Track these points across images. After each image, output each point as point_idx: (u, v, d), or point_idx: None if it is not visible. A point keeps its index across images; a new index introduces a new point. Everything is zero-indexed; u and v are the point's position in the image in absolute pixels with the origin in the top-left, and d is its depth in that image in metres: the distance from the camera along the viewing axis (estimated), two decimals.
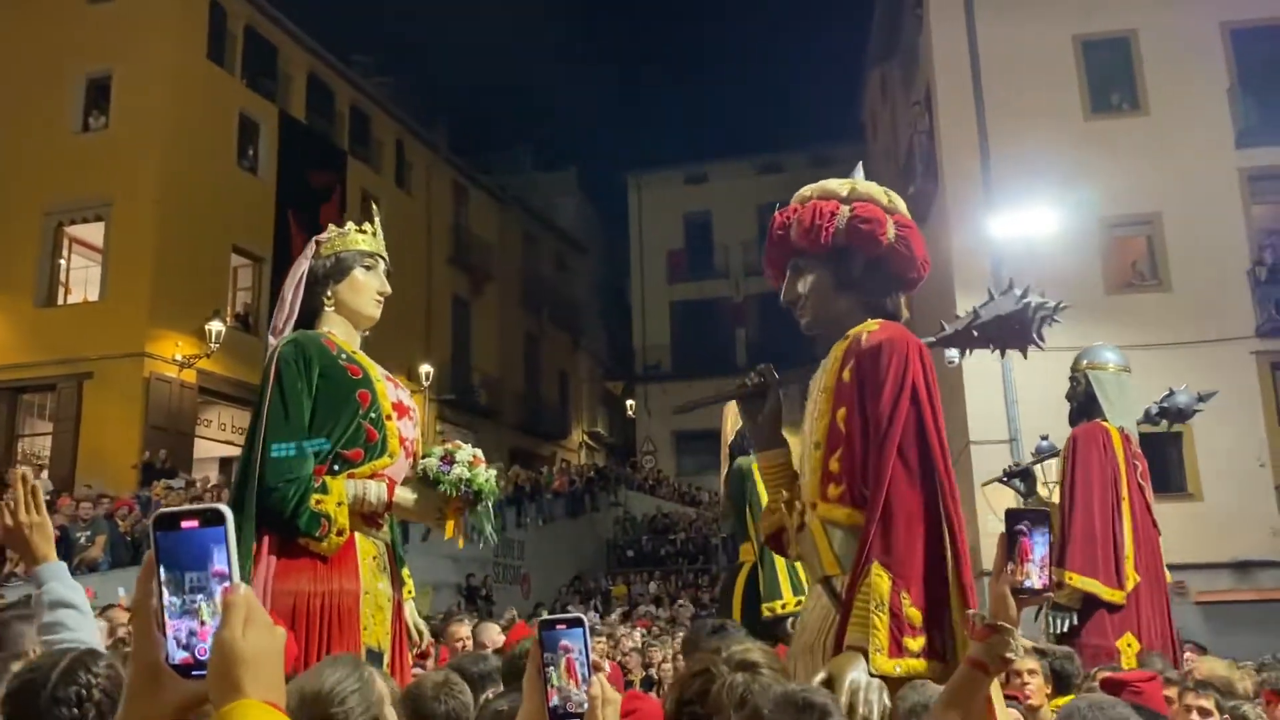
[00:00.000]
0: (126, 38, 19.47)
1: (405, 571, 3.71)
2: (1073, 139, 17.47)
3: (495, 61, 63.36)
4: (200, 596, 1.02)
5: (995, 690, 2.51)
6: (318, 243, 3.68)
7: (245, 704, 0.97)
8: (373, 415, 3.45)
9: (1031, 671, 4.23)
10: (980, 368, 16.37)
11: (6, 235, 19.36)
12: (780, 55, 65.53)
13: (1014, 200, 16.10)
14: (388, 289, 3.72)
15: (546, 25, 64.40)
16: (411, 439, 3.61)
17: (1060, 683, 4.28)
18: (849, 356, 2.93)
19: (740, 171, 35.80)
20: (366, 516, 3.43)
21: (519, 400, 31.11)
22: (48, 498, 14.71)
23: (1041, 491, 8.21)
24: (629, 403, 36.96)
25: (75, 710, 1.74)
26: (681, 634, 8.71)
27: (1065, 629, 5.50)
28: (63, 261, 19.99)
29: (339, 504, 3.29)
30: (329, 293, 3.61)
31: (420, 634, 3.81)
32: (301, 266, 3.62)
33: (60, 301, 19.84)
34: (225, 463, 20.22)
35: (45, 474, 17.20)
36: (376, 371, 3.58)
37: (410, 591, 3.76)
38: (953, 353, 14.91)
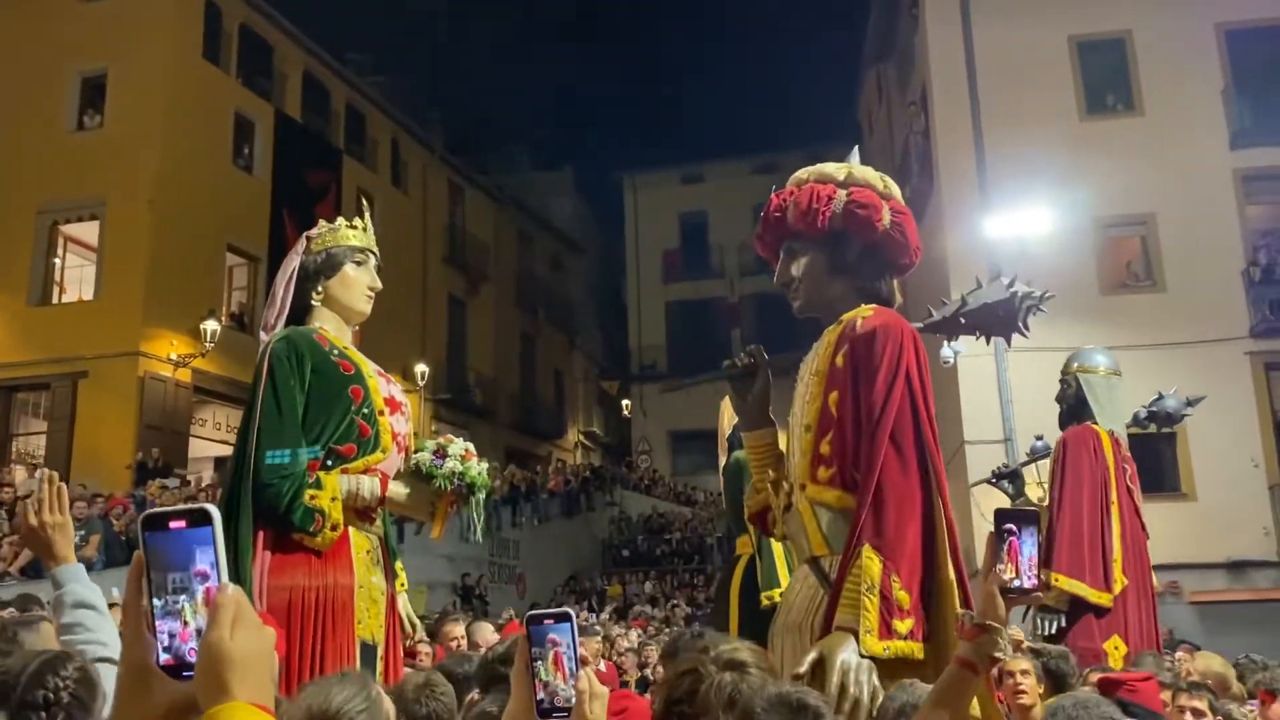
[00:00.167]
0: (121, 36, 19.44)
1: (398, 564, 3.72)
2: (1068, 139, 17.50)
3: (491, 61, 63.37)
4: (183, 598, 1.01)
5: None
6: (308, 238, 3.69)
7: (232, 706, 0.96)
8: (365, 411, 3.47)
9: (1024, 672, 4.24)
10: (975, 368, 16.42)
11: (1, 234, 19.32)
12: (776, 55, 65.58)
13: (1009, 200, 16.13)
14: (378, 284, 3.74)
15: (543, 25, 64.39)
16: (404, 434, 3.62)
17: (1056, 682, 4.29)
18: (843, 341, 2.95)
19: (736, 171, 35.79)
20: (360, 511, 3.44)
21: (514, 400, 31.10)
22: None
23: (1035, 492, 8.23)
24: (625, 402, 36.96)
25: (44, 714, 1.74)
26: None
27: (1053, 631, 5.51)
28: (57, 260, 19.95)
29: (333, 499, 3.30)
30: (320, 288, 3.62)
31: (414, 625, 3.82)
32: (292, 262, 3.62)
33: (55, 300, 19.80)
34: (220, 462, 20.17)
35: (40, 474, 17.17)
36: (368, 367, 3.59)
37: (403, 584, 3.77)
38: (947, 353, 15.02)
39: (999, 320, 3.44)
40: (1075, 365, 6.13)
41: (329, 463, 3.38)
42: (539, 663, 1.61)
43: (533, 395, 32.56)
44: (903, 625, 2.60)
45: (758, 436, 3.24)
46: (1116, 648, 5.33)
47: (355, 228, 3.75)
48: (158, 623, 1.02)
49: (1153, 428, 6.95)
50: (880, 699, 2.46)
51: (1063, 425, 6.16)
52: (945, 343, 13.98)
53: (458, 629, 6.56)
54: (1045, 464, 8.04)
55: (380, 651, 3.45)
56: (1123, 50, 18.17)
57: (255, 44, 22.35)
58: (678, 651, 2.84)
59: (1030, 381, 13.98)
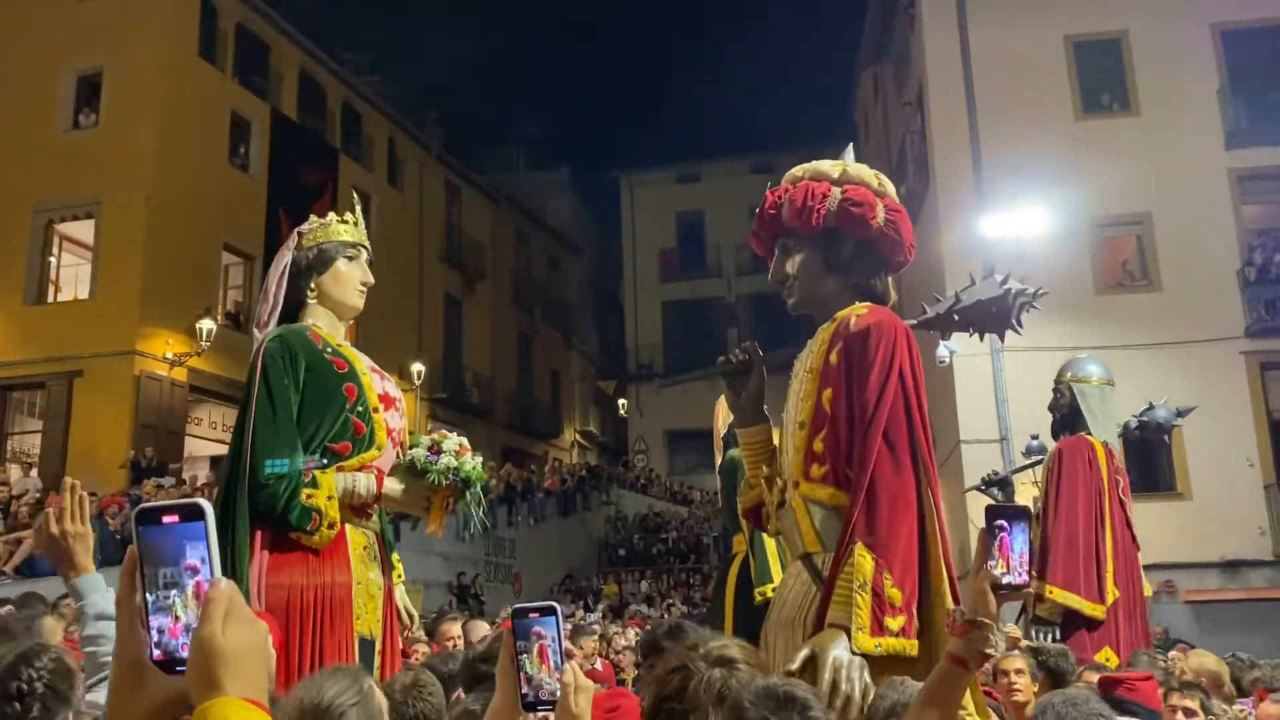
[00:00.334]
0: (117, 35, 19.41)
1: (395, 556, 3.74)
2: (1064, 139, 17.53)
3: (488, 60, 63.35)
4: (174, 593, 1.01)
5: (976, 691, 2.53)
6: (300, 234, 3.69)
7: (223, 701, 0.96)
8: (359, 409, 3.47)
9: (1019, 670, 4.26)
10: (971, 367, 16.44)
11: None
12: (773, 55, 65.59)
13: (1005, 200, 16.14)
14: (370, 279, 3.73)
15: (539, 25, 64.38)
16: (398, 430, 3.63)
17: (1056, 680, 4.31)
18: (837, 339, 2.96)
19: (733, 171, 35.80)
20: (356, 508, 3.45)
21: (511, 399, 31.10)
22: (38, 495, 14.64)
23: (1031, 492, 8.25)
24: (621, 402, 36.97)
25: (18, 705, 1.74)
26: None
27: (1049, 642, 5.51)
28: (53, 259, 19.92)
29: (329, 498, 3.31)
30: (312, 285, 3.62)
31: (411, 617, 3.83)
32: (284, 259, 3.62)
33: (50, 299, 19.76)
34: (216, 460, 20.16)
35: (35, 472, 17.14)
36: (362, 364, 3.59)
37: (400, 575, 3.78)
38: (943, 353, 15.03)
39: (993, 317, 3.46)
40: (1069, 375, 6.13)
41: (324, 461, 3.38)
42: (524, 656, 1.61)
43: (529, 394, 32.56)
44: (895, 622, 2.61)
45: (752, 433, 3.25)
46: (1108, 660, 5.34)
47: (346, 223, 3.74)
48: (150, 618, 1.02)
49: (1138, 436, 6.94)
50: (871, 696, 2.47)
51: (1055, 434, 6.17)
52: (940, 342, 13.99)
53: (455, 629, 6.57)
54: (1039, 466, 8.06)
55: (378, 646, 3.46)
56: (1118, 50, 18.19)
57: (251, 43, 22.32)
58: (656, 645, 2.83)
59: (1026, 381, 13.98)
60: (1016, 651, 4.67)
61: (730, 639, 2.07)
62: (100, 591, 2.39)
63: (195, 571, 1.01)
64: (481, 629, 6.78)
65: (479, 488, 3.54)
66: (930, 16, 18.80)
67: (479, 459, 3.58)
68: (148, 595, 1.02)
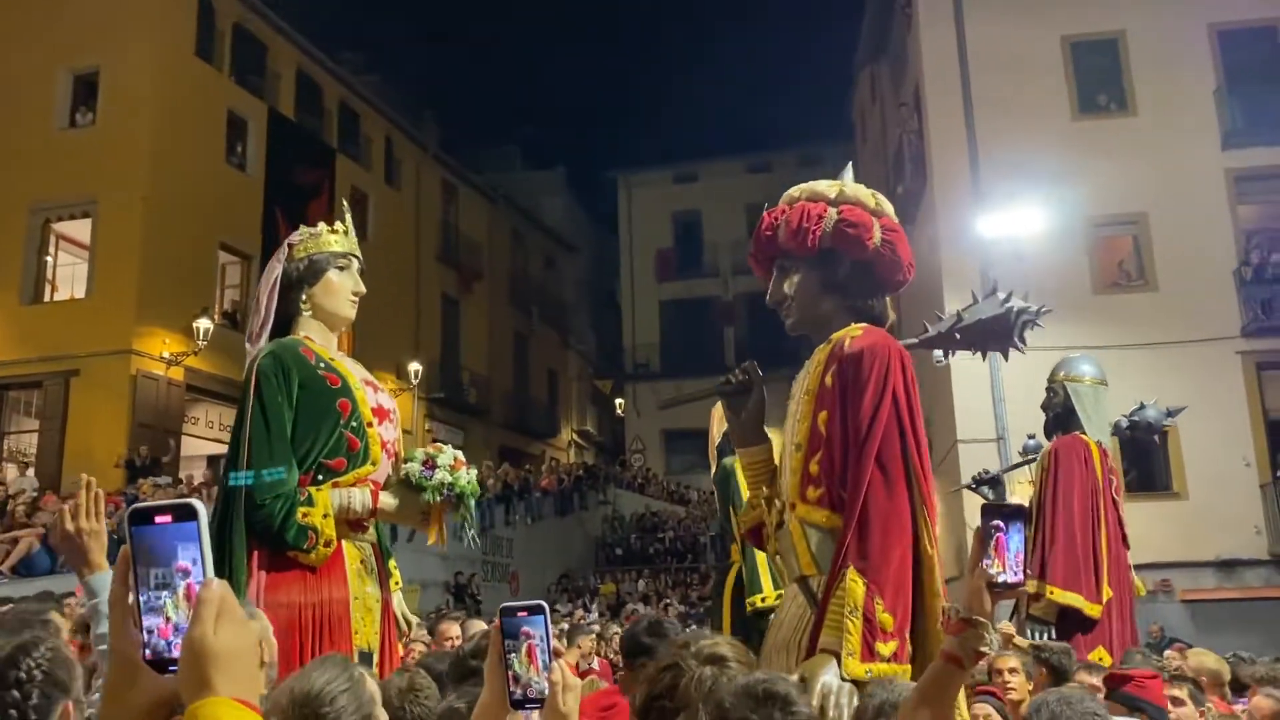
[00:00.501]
0: (114, 34, 19.37)
1: (392, 563, 3.74)
2: (1060, 139, 17.54)
3: (485, 60, 63.28)
4: (165, 593, 1.02)
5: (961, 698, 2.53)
6: (290, 246, 3.66)
7: (214, 701, 0.96)
8: (354, 424, 3.46)
9: (1013, 670, 4.27)
10: (968, 367, 16.39)
11: None
12: (770, 55, 65.60)
13: (1002, 200, 16.15)
14: (362, 288, 3.72)
15: (536, 24, 64.36)
16: (393, 441, 3.62)
17: (1057, 678, 4.31)
18: (832, 361, 2.96)
19: (730, 171, 35.81)
20: (352, 522, 3.45)
21: (508, 399, 31.09)
22: (34, 495, 14.61)
23: (1026, 491, 8.25)
24: (618, 401, 36.97)
25: (17, 693, 1.75)
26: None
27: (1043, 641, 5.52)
28: (49, 258, 19.88)
29: (325, 515, 3.31)
30: (304, 296, 3.60)
31: (409, 623, 3.83)
32: (275, 270, 3.60)
33: (47, 298, 19.72)
34: (213, 460, 20.14)
35: (31, 471, 17.12)
36: (355, 378, 3.58)
37: (398, 582, 3.78)
38: (940, 352, 15.03)
39: (995, 335, 3.45)
40: (1062, 374, 6.13)
41: (319, 478, 3.38)
42: (512, 655, 1.61)
43: (526, 394, 32.56)
44: (886, 648, 2.61)
45: (752, 453, 3.24)
46: (1101, 659, 5.34)
47: (336, 232, 3.71)
48: (142, 618, 1.02)
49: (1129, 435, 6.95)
50: None
51: (1048, 433, 6.17)
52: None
53: (453, 628, 6.59)
54: (1033, 465, 8.05)
55: (376, 658, 3.46)
56: (1116, 50, 18.21)
57: (248, 42, 22.30)
58: (638, 641, 2.83)
59: (1022, 381, 13.98)
60: (1010, 650, 4.68)
61: (721, 637, 2.07)
62: None
63: (187, 573, 1.02)
64: (479, 628, 6.78)
65: (473, 502, 3.54)
66: (928, 16, 18.81)
67: (474, 473, 3.57)
68: (140, 595, 1.02)
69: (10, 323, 18.92)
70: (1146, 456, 16.11)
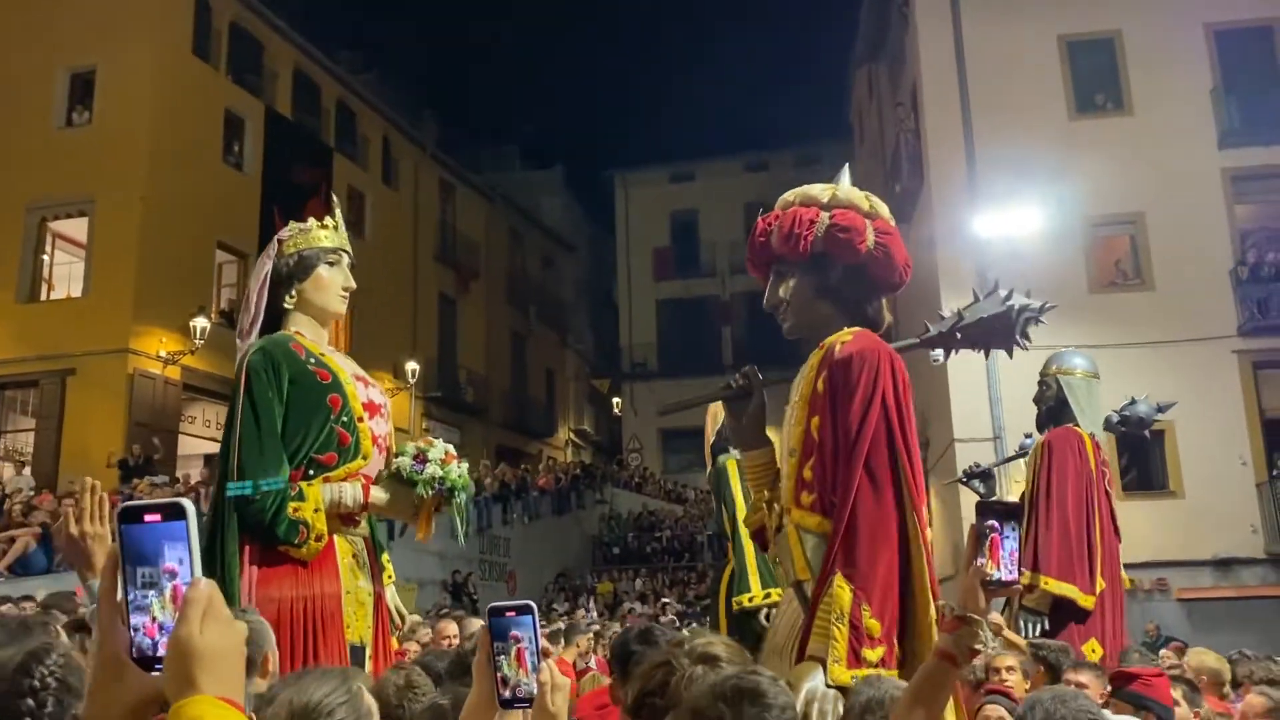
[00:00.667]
0: (111, 33, 19.35)
1: (385, 557, 3.74)
2: (1057, 139, 17.56)
3: (483, 59, 63.26)
4: (152, 592, 1.02)
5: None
6: (280, 241, 3.67)
7: (198, 700, 0.97)
8: (344, 419, 3.47)
9: (1010, 668, 4.27)
10: (965, 366, 16.44)
11: None
12: (767, 54, 65.58)
13: (999, 199, 16.17)
14: (352, 284, 3.72)
15: (534, 23, 64.32)
16: (384, 436, 3.63)
17: (1054, 676, 4.31)
18: (823, 366, 2.98)
19: (727, 170, 35.82)
20: (343, 516, 3.46)
21: (505, 398, 31.08)
22: (31, 494, 14.58)
23: (1020, 489, 8.25)
24: (615, 400, 36.97)
25: (32, 701, 1.76)
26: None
27: (1037, 634, 5.51)
28: (46, 257, 19.87)
29: (316, 510, 3.32)
30: (293, 292, 3.61)
31: (402, 617, 3.83)
32: (265, 266, 3.61)
33: (43, 297, 19.72)
34: (210, 459, 20.13)
35: (28, 470, 17.10)
36: (345, 373, 3.58)
37: (390, 576, 3.78)
38: (938, 351, 15.03)
39: (997, 333, 3.45)
40: (1054, 367, 6.15)
41: (310, 472, 3.38)
42: (501, 657, 1.61)
43: (524, 393, 32.55)
44: (873, 654, 2.62)
45: (754, 456, 3.25)
46: (1094, 650, 5.35)
47: (327, 227, 3.72)
48: (129, 616, 1.03)
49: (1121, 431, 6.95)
50: None
51: (1041, 426, 6.18)
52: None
53: (451, 627, 6.59)
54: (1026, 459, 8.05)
55: (369, 652, 3.47)
56: (1112, 50, 18.22)
57: (245, 41, 22.28)
58: (627, 648, 2.83)
59: (1019, 379, 13.97)
60: (1005, 649, 4.68)
61: (716, 637, 2.07)
62: None
63: (174, 574, 1.02)
64: (475, 627, 6.79)
65: (464, 496, 3.54)
66: (925, 16, 18.82)
67: (464, 466, 3.57)
68: (127, 594, 1.02)
69: (7, 321, 18.90)
70: (1144, 455, 16.14)
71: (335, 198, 4.25)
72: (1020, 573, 1.96)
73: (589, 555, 26.30)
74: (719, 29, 65.76)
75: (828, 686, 2.57)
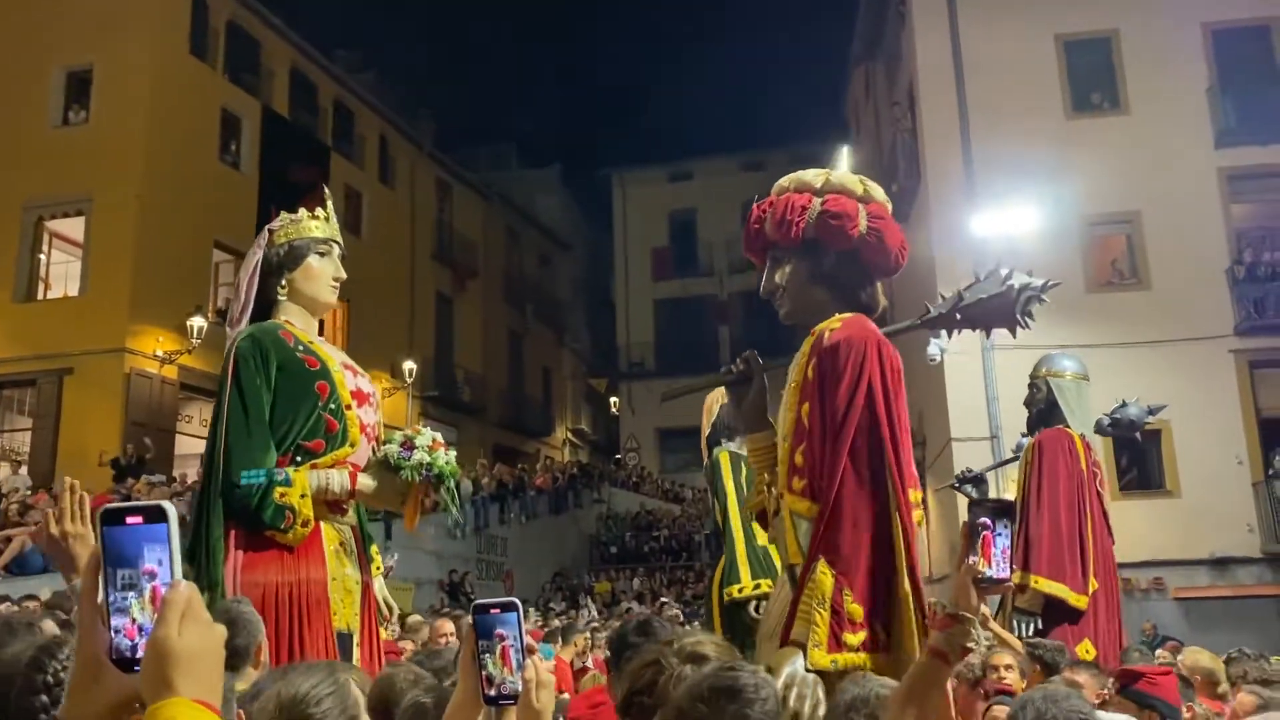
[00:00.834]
0: (107, 31, 19.33)
1: (374, 548, 3.73)
2: (1054, 138, 17.57)
3: (480, 58, 63.22)
4: (131, 594, 1.02)
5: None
6: (270, 231, 3.68)
7: (174, 702, 0.97)
8: (332, 406, 3.48)
9: (1008, 666, 4.28)
10: (961, 366, 16.47)
11: None
12: (764, 53, 65.62)
13: (996, 198, 16.17)
14: (343, 274, 3.73)
15: (531, 23, 64.30)
16: (373, 425, 3.63)
17: (1049, 675, 4.31)
18: (813, 353, 2.99)
19: (725, 169, 35.80)
20: (331, 504, 3.46)
21: (503, 397, 31.07)
22: (27, 493, 14.57)
23: (1014, 492, 8.25)
24: (613, 400, 36.97)
25: (45, 697, 1.76)
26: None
27: (1030, 633, 5.51)
28: (43, 256, 19.85)
29: (302, 496, 3.32)
30: (284, 282, 3.62)
31: (390, 609, 3.83)
32: (255, 255, 3.62)
33: (40, 297, 19.70)
34: None
35: (24, 470, 17.09)
36: (334, 361, 3.59)
37: (379, 567, 3.77)
38: (933, 351, 15.05)
39: (998, 314, 3.44)
40: (1044, 369, 6.15)
41: (298, 459, 3.39)
42: (486, 655, 1.61)
43: (521, 392, 32.54)
44: (854, 638, 2.63)
45: (756, 439, 3.27)
46: (1087, 651, 5.35)
47: (317, 218, 3.74)
48: (112, 617, 1.03)
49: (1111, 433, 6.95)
50: (822, 710, 2.47)
51: (1032, 429, 6.18)
52: (932, 340, 14.00)
53: (447, 625, 6.60)
54: (1010, 465, 8.05)
55: (356, 639, 3.47)
56: (1109, 49, 18.24)
57: (242, 40, 22.26)
58: (626, 641, 2.84)
59: (1016, 379, 13.94)
60: (998, 645, 4.68)
61: (706, 635, 2.08)
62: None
63: (153, 576, 1.02)
64: None
65: (453, 483, 3.54)
66: (921, 15, 18.83)
67: (453, 454, 3.57)
68: (107, 595, 1.03)
69: (4, 321, 18.88)
70: (1140, 455, 16.16)
71: (328, 190, 4.25)
72: (1012, 571, 1.97)
73: (586, 555, 26.30)
74: (716, 28, 65.79)
75: (807, 670, 2.58)
